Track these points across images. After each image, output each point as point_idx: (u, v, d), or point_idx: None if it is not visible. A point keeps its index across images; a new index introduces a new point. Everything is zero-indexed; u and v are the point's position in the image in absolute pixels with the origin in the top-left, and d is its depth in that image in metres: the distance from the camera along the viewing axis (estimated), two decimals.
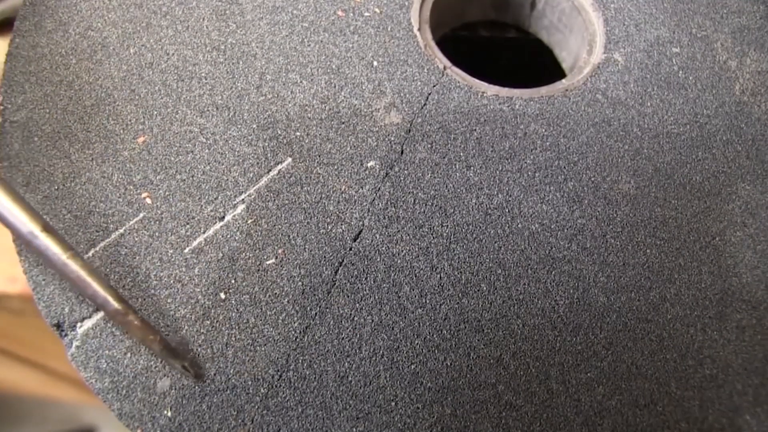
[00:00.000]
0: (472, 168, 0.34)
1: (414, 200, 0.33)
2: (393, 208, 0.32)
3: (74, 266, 0.28)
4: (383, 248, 0.31)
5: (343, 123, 0.35)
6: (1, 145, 0.33)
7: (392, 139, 0.34)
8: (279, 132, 0.34)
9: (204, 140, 0.34)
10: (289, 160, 0.33)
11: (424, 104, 0.36)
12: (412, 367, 0.29)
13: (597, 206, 0.33)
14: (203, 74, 0.36)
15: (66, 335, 0.29)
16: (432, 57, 0.37)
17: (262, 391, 0.28)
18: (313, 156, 0.34)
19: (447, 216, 0.32)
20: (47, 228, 0.28)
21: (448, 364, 0.29)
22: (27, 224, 0.27)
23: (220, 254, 0.31)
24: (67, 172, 0.32)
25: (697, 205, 0.34)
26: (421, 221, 0.32)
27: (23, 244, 0.29)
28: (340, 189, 0.33)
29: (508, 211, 0.33)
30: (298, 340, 0.29)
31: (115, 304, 0.28)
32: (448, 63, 0.37)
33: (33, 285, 0.30)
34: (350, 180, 0.33)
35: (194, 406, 0.28)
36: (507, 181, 0.34)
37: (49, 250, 0.28)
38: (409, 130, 0.35)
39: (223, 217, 0.32)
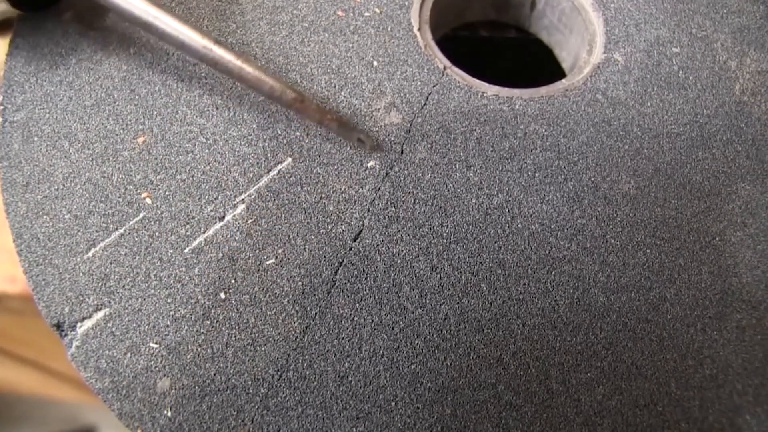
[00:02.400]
0: (472, 168, 0.34)
1: (414, 200, 0.33)
2: (393, 208, 0.32)
3: (250, 68, 0.32)
4: (383, 248, 0.31)
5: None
6: (1, 145, 0.33)
7: (392, 138, 0.34)
8: (279, 132, 0.34)
9: (204, 140, 0.34)
10: (289, 160, 0.33)
11: (424, 104, 0.36)
12: (412, 367, 0.29)
13: (597, 206, 0.33)
14: (203, 74, 0.36)
15: (66, 335, 0.29)
16: (432, 57, 0.37)
17: (262, 391, 0.28)
18: (313, 156, 0.34)
19: (447, 216, 0.32)
20: (218, 41, 0.32)
21: (448, 364, 0.29)
22: (200, 40, 0.31)
23: (220, 254, 0.31)
24: (67, 172, 0.32)
25: (697, 205, 0.34)
26: (421, 221, 0.32)
27: (198, 58, 0.32)
28: (340, 189, 0.33)
29: (508, 211, 0.33)
30: (298, 340, 0.29)
31: (292, 94, 0.32)
32: (448, 63, 0.37)
33: (33, 285, 0.30)
34: (350, 180, 0.33)
35: (194, 406, 0.28)
36: (507, 181, 0.34)
37: (224, 58, 0.31)
38: (409, 130, 0.35)
39: (223, 217, 0.32)
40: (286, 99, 0.32)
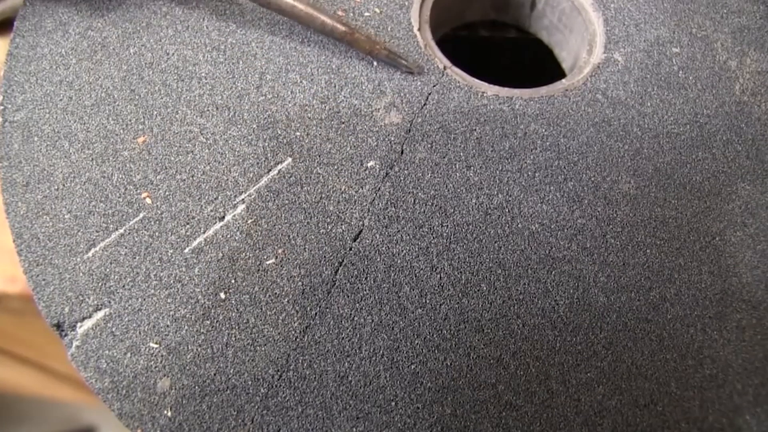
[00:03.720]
0: (472, 168, 0.34)
1: (414, 200, 0.33)
2: (393, 208, 0.32)
3: (301, 5, 0.34)
4: (383, 248, 0.31)
5: (343, 123, 0.35)
6: (1, 145, 0.33)
7: (392, 138, 0.34)
8: (279, 132, 0.34)
9: (204, 140, 0.34)
10: (289, 160, 0.33)
11: (424, 104, 0.36)
12: (412, 367, 0.29)
13: (597, 206, 0.33)
14: (203, 74, 0.36)
15: (66, 335, 0.29)
16: (432, 57, 0.37)
17: (262, 391, 0.28)
18: (313, 156, 0.34)
19: (447, 216, 0.32)
20: None
21: (448, 364, 0.29)
22: None
23: (220, 254, 0.31)
24: (67, 172, 0.33)
25: (697, 205, 0.34)
26: (421, 221, 0.32)
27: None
28: (340, 189, 0.33)
29: (508, 211, 0.33)
30: (298, 340, 0.29)
31: (342, 27, 0.34)
32: (448, 63, 0.37)
33: (33, 285, 0.30)
34: (350, 180, 0.33)
35: (194, 406, 0.28)
36: (507, 181, 0.34)
37: None
38: (409, 130, 0.35)
39: (223, 217, 0.32)
40: (337, 32, 0.34)
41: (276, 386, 0.28)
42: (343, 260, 0.31)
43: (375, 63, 0.37)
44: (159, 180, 0.33)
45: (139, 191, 0.32)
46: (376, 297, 0.30)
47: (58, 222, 0.31)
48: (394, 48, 0.36)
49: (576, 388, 0.29)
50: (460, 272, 0.31)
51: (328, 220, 0.32)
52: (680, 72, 0.38)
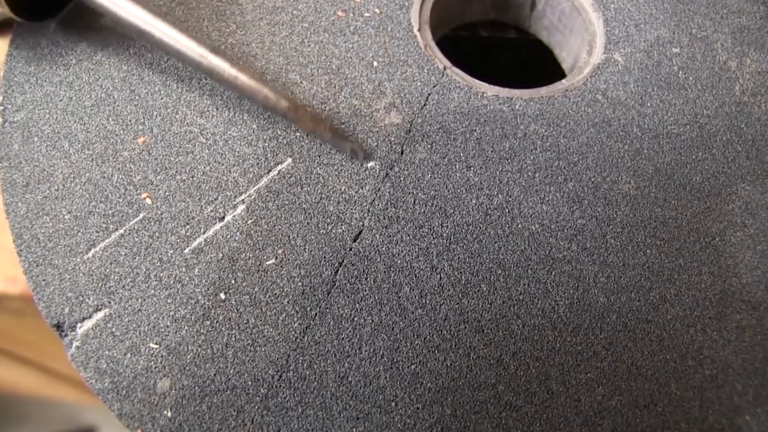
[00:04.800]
0: (472, 168, 0.34)
1: (414, 200, 0.33)
2: (393, 209, 0.32)
3: (245, 77, 0.32)
4: (383, 248, 0.31)
5: (343, 123, 0.35)
6: (1, 146, 0.33)
7: (392, 139, 0.34)
8: (279, 132, 0.34)
9: (204, 140, 0.34)
10: (289, 160, 0.33)
11: (424, 104, 0.36)
12: (412, 367, 0.29)
13: (597, 206, 0.33)
14: (203, 74, 0.36)
15: (66, 335, 0.29)
16: (432, 57, 0.37)
17: (262, 391, 0.28)
18: (313, 156, 0.34)
19: (447, 216, 0.32)
20: (215, 50, 0.32)
21: (448, 364, 0.29)
22: (196, 49, 0.32)
23: (220, 254, 0.31)
24: (67, 172, 0.32)
25: (697, 205, 0.34)
26: (421, 221, 0.32)
27: (193, 67, 0.32)
28: (340, 189, 0.33)
29: (508, 212, 0.33)
30: (298, 340, 0.29)
31: (286, 103, 0.32)
32: (448, 63, 0.37)
33: (33, 285, 0.30)
34: (350, 180, 0.33)
35: (194, 407, 0.28)
36: (507, 181, 0.34)
37: (219, 67, 0.32)
38: (409, 131, 0.35)
39: (223, 218, 0.32)
40: (280, 108, 0.32)
41: (276, 386, 0.28)
42: (343, 260, 0.31)
43: (375, 63, 0.37)
44: (159, 180, 0.33)
45: (139, 191, 0.32)
46: (376, 297, 0.30)
47: (58, 222, 0.31)
48: (339, 129, 0.33)
49: (576, 389, 0.29)
50: (460, 273, 0.31)
51: (328, 220, 0.32)
52: (680, 72, 0.38)
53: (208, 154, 0.33)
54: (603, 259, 0.32)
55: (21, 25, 0.36)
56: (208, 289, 0.30)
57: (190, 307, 0.30)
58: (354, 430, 0.28)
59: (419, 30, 0.38)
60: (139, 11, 0.32)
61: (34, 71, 0.35)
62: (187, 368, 0.29)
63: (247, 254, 0.31)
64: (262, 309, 0.30)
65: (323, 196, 0.33)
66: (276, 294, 0.30)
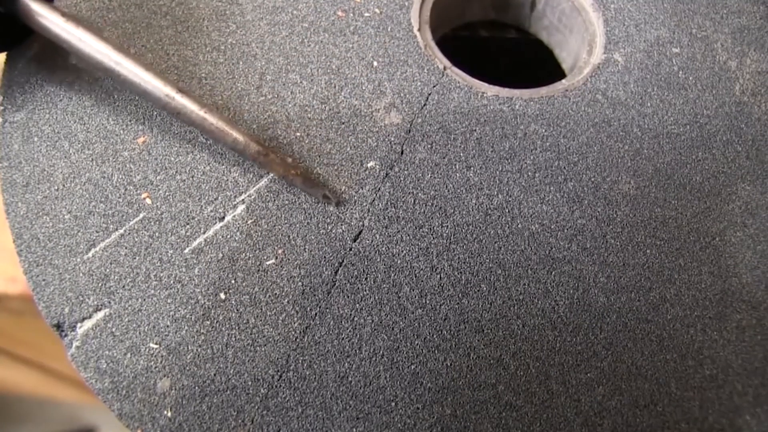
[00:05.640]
0: (472, 168, 0.34)
1: (414, 200, 0.33)
2: (393, 209, 0.32)
3: (213, 119, 0.31)
4: (383, 248, 0.31)
5: (343, 123, 0.35)
6: (1, 145, 0.33)
7: (392, 139, 0.34)
8: (279, 132, 0.34)
9: (204, 140, 0.34)
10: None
11: (424, 104, 0.36)
12: (412, 367, 0.29)
13: (597, 206, 0.33)
14: (203, 74, 0.36)
15: (66, 335, 0.29)
16: (432, 57, 0.37)
17: (262, 391, 0.28)
18: (313, 156, 0.34)
19: (447, 216, 0.32)
20: (181, 90, 0.31)
21: (448, 364, 0.29)
22: (162, 88, 0.30)
23: (220, 254, 0.31)
24: (67, 172, 0.32)
25: (697, 205, 0.34)
26: (421, 221, 0.32)
27: (160, 107, 0.31)
28: (340, 189, 0.33)
29: (508, 212, 0.33)
30: (298, 340, 0.29)
31: (256, 147, 0.31)
32: (448, 63, 0.37)
33: (33, 285, 0.30)
34: (350, 180, 0.33)
35: (194, 406, 0.28)
36: (507, 181, 0.34)
37: (187, 108, 0.30)
38: (409, 131, 0.35)
39: (223, 218, 0.32)
40: (249, 152, 0.31)
41: (276, 386, 0.28)
42: (343, 260, 0.31)
43: (375, 63, 0.37)
44: (159, 180, 0.33)
45: (139, 191, 0.32)
46: (376, 297, 0.30)
47: (58, 222, 0.31)
48: (310, 174, 0.32)
49: (576, 389, 0.29)
50: (460, 273, 0.31)
51: (328, 220, 0.32)
52: (680, 72, 0.38)
53: (208, 154, 0.33)
54: (603, 259, 0.32)
55: None
56: (208, 289, 0.30)
57: (190, 307, 0.30)
58: (354, 430, 0.28)
59: (419, 30, 0.38)
60: (104, 47, 0.30)
61: (34, 71, 0.35)
62: (187, 368, 0.29)
63: (247, 254, 0.31)
64: (262, 309, 0.30)
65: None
66: (276, 294, 0.30)
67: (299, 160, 0.33)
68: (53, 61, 0.35)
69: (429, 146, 0.34)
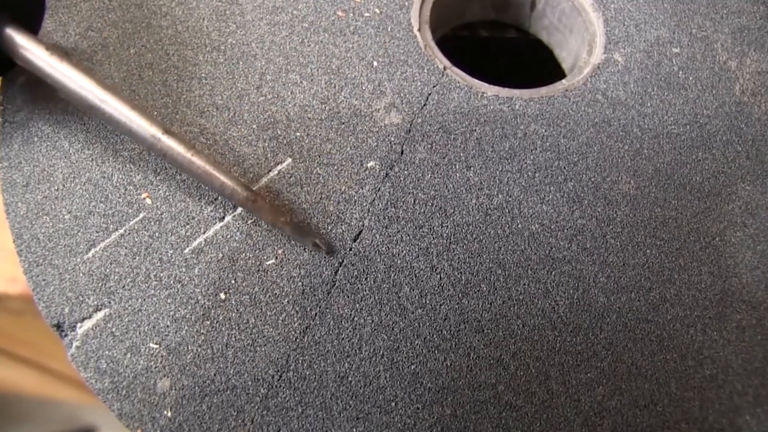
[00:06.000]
0: (472, 168, 0.34)
1: (414, 200, 0.33)
2: (393, 209, 0.32)
3: (200, 162, 0.29)
4: (383, 248, 0.31)
5: (343, 123, 0.35)
6: (1, 145, 0.33)
7: (392, 139, 0.34)
8: (279, 132, 0.34)
9: (204, 140, 0.34)
10: (289, 160, 0.33)
11: (424, 104, 0.36)
12: (412, 367, 0.29)
13: (597, 206, 0.33)
14: (203, 74, 0.36)
15: (66, 335, 0.29)
16: (432, 57, 0.37)
17: (262, 391, 0.28)
18: (313, 156, 0.34)
19: (447, 216, 0.32)
20: (168, 131, 0.29)
21: (448, 364, 0.29)
22: (149, 129, 0.29)
23: (220, 254, 0.31)
24: (67, 172, 0.32)
25: (697, 205, 0.34)
26: (421, 221, 0.32)
27: (146, 148, 0.30)
28: (340, 189, 0.33)
29: (508, 212, 0.33)
30: (298, 340, 0.29)
31: (244, 192, 0.30)
32: (448, 63, 0.37)
33: (33, 285, 0.30)
34: (350, 180, 0.33)
35: (194, 406, 0.28)
36: (507, 181, 0.34)
37: (173, 150, 0.29)
38: (409, 131, 0.35)
39: (223, 217, 0.32)
40: (237, 197, 0.30)
41: (276, 386, 0.28)
42: (343, 260, 0.31)
43: (375, 63, 0.37)
44: (159, 180, 0.33)
45: (139, 191, 0.32)
46: (376, 297, 0.30)
47: (58, 222, 0.31)
48: (300, 221, 0.31)
49: (576, 389, 0.29)
50: (460, 273, 0.31)
51: (328, 220, 0.32)
52: (680, 72, 0.38)
53: (208, 154, 0.33)
54: (603, 259, 0.32)
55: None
56: (208, 289, 0.30)
57: (190, 307, 0.30)
58: (354, 430, 0.28)
59: (419, 30, 0.38)
60: (89, 84, 0.29)
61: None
62: (187, 368, 0.29)
63: (247, 254, 0.31)
64: (262, 309, 0.30)
65: (323, 195, 0.33)
66: (276, 294, 0.30)
67: (289, 205, 0.32)
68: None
69: (429, 146, 0.34)
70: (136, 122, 0.29)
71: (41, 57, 0.30)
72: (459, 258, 0.31)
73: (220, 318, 0.30)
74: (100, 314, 0.29)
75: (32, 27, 0.33)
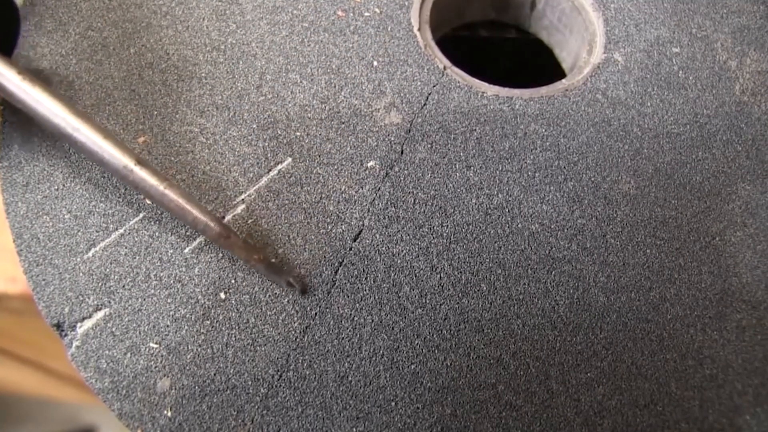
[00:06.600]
0: (472, 168, 0.34)
1: (414, 200, 0.33)
2: (393, 208, 0.32)
3: (173, 195, 0.28)
4: (383, 248, 0.31)
5: (343, 123, 0.35)
6: (1, 145, 0.33)
7: (392, 138, 0.34)
8: (279, 132, 0.34)
9: (204, 140, 0.34)
10: (289, 160, 0.33)
11: (424, 104, 0.36)
12: (412, 367, 0.29)
13: (597, 206, 0.33)
14: (203, 74, 0.36)
15: (66, 335, 0.29)
16: (432, 57, 0.37)
17: (262, 391, 0.28)
18: (313, 156, 0.34)
19: (447, 216, 0.32)
20: (141, 161, 0.29)
21: (448, 364, 0.29)
22: (121, 159, 0.28)
23: (220, 254, 0.31)
24: (67, 172, 0.32)
25: (697, 205, 0.34)
26: (421, 221, 0.32)
27: (119, 179, 0.30)
28: (340, 189, 0.33)
29: (508, 211, 0.33)
30: (298, 340, 0.29)
31: (217, 228, 0.29)
32: (448, 63, 0.37)
33: (33, 285, 0.30)
34: (350, 180, 0.33)
35: (194, 406, 0.28)
36: (507, 181, 0.34)
37: (146, 182, 0.28)
38: (409, 130, 0.35)
39: (223, 217, 0.32)
40: (210, 233, 0.29)
41: (276, 386, 0.28)
42: (343, 260, 0.31)
43: (375, 63, 0.37)
44: None
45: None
46: (376, 297, 0.30)
47: (58, 222, 0.31)
48: (273, 260, 0.30)
49: (576, 388, 0.29)
50: (460, 272, 0.31)
51: (328, 220, 0.32)
52: (680, 72, 0.38)
53: (208, 154, 0.33)
54: (603, 258, 0.32)
55: (21, 25, 0.36)
56: (208, 288, 0.30)
57: (190, 307, 0.30)
58: (354, 430, 0.28)
59: (419, 30, 0.38)
60: (61, 111, 0.28)
61: (34, 71, 0.35)
62: (187, 368, 0.29)
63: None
64: (262, 309, 0.30)
65: (323, 195, 0.33)
66: (276, 294, 0.30)
67: (262, 243, 0.31)
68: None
69: (429, 146, 0.34)
70: (108, 152, 0.28)
71: (12, 81, 0.28)
72: (459, 258, 0.31)
73: (220, 318, 0.30)
74: (100, 314, 0.29)
75: (4, 48, 0.32)
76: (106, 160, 0.28)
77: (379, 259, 0.31)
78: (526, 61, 0.50)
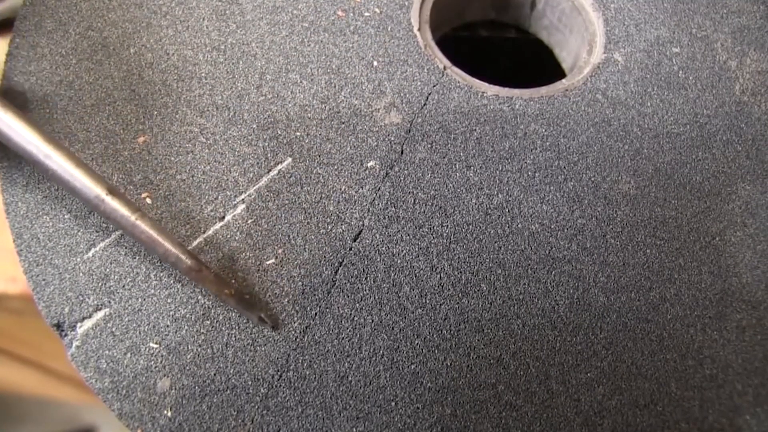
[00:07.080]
0: (472, 168, 0.34)
1: (414, 200, 0.33)
2: (393, 208, 0.32)
3: (144, 227, 0.28)
4: (383, 248, 0.31)
5: (343, 123, 0.35)
6: (0, 145, 0.33)
7: (392, 138, 0.34)
8: (279, 132, 0.34)
9: (204, 140, 0.34)
10: (289, 160, 0.33)
11: (424, 104, 0.36)
12: (412, 367, 0.29)
13: (597, 206, 0.33)
14: (203, 74, 0.36)
15: (66, 335, 0.29)
16: (432, 57, 0.37)
17: (262, 391, 0.28)
18: (313, 156, 0.34)
19: (447, 216, 0.32)
20: (112, 191, 0.28)
21: (448, 364, 0.29)
22: (93, 188, 0.28)
23: (220, 254, 0.31)
24: None
25: (697, 205, 0.34)
26: (421, 221, 0.32)
27: (90, 208, 0.29)
28: (340, 189, 0.33)
29: (508, 211, 0.33)
30: (298, 340, 0.29)
31: (188, 261, 0.28)
32: (448, 63, 0.37)
33: (33, 285, 0.30)
34: (350, 180, 0.33)
35: (194, 406, 0.28)
36: (507, 181, 0.34)
37: (117, 212, 0.28)
38: (409, 130, 0.35)
39: (223, 217, 0.32)
40: (181, 266, 0.28)
41: (276, 386, 0.28)
42: (343, 260, 0.31)
43: (375, 63, 0.37)
44: (159, 180, 0.33)
45: (139, 191, 0.32)
46: (376, 297, 0.30)
47: (58, 222, 0.31)
48: (245, 294, 0.29)
49: (576, 388, 0.29)
50: (460, 272, 0.31)
51: (328, 220, 0.32)
52: (680, 72, 0.38)
53: (208, 154, 0.33)
54: (603, 258, 0.32)
55: (21, 25, 0.36)
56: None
57: (190, 307, 0.30)
58: (354, 429, 0.28)
59: (419, 30, 0.38)
60: (33, 138, 0.28)
61: (34, 71, 0.35)
62: (187, 368, 0.29)
63: (247, 254, 0.31)
64: (261, 308, 0.30)
65: (323, 195, 0.33)
66: (276, 294, 0.30)
67: (235, 275, 0.30)
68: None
69: (429, 146, 0.34)
70: (79, 180, 0.28)
71: None
72: (459, 258, 0.31)
73: (220, 318, 0.30)
74: (100, 314, 0.29)
75: None
76: (78, 189, 0.28)
77: (379, 259, 0.31)
78: (526, 61, 0.50)
